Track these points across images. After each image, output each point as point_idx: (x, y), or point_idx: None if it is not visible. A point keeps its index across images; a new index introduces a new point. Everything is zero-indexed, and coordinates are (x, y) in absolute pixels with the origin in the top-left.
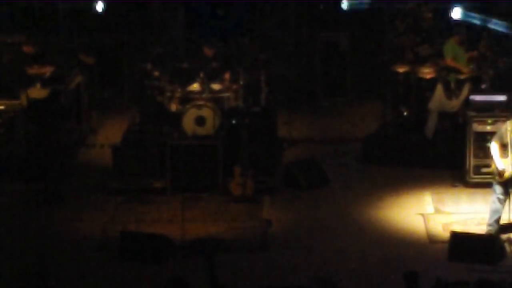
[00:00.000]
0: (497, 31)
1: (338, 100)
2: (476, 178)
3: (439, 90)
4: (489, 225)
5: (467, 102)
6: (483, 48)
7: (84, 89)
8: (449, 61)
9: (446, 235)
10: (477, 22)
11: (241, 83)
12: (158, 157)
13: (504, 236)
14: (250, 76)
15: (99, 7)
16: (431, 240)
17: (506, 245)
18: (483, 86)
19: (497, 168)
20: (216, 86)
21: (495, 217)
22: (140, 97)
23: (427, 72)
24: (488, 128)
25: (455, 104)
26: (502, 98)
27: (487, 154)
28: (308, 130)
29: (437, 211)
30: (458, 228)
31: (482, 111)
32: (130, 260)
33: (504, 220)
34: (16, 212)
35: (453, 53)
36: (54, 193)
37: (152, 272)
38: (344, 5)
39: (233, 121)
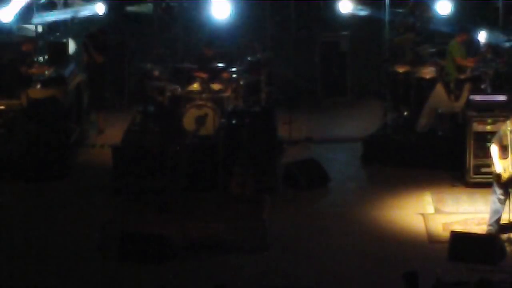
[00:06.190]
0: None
1: (338, 100)
2: (476, 178)
3: (439, 90)
4: (490, 225)
5: (467, 102)
6: (483, 48)
7: (84, 89)
8: (459, 60)
9: (446, 235)
10: None
11: (241, 83)
12: (158, 157)
13: (504, 236)
14: (250, 76)
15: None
16: (431, 240)
17: (506, 245)
18: (483, 86)
19: (495, 170)
20: (216, 86)
21: (496, 217)
22: (140, 97)
23: (427, 72)
24: (488, 128)
25: (455, 105)
26: (502, 98)
27: (487, 154)
28: (308, 130)
29: (437, 211)
30: (458, 228)
31: (482, 111)
32: (130, 260)
33: (504, 220)
34: (16, 212)
35: (460, 52)
36: None
37: (152, 272)
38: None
39: (233, 121)
